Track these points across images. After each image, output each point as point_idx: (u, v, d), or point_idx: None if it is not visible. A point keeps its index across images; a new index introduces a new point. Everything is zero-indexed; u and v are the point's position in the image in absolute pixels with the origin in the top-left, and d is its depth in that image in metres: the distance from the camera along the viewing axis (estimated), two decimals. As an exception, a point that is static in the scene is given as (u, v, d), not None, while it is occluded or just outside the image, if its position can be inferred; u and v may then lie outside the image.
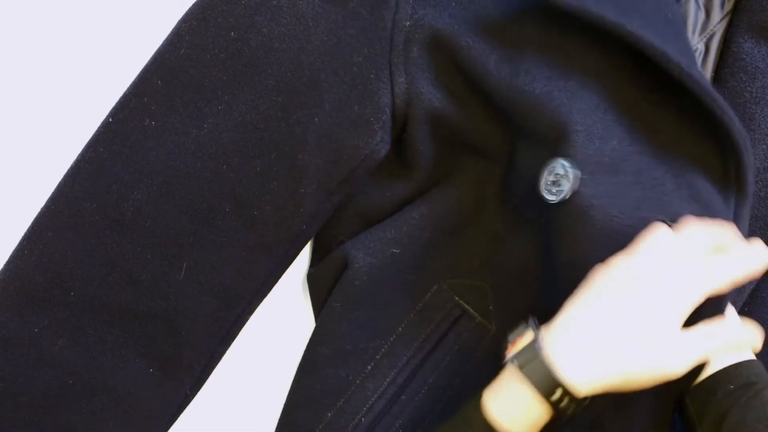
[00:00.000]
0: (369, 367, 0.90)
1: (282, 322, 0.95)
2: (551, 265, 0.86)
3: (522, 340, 0.76)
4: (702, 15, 0.94)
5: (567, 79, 0.86)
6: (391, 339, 0.90)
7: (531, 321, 0.77)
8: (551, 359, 0.73)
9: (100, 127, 0.89)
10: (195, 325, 0.89)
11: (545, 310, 0.79)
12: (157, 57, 0.89)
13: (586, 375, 0.72)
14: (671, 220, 0.81)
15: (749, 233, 0.86)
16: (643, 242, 0.77)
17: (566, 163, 0.83)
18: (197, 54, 0.89)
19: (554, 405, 0.73)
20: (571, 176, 0.82)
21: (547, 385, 0.72)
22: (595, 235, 0.82)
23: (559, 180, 0.83)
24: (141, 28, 0.94)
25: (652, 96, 0.86)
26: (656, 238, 0.77)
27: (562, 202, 0.83)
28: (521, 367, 0.73)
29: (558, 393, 0.72)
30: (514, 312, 0.86)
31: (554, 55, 0.87)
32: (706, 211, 0.83)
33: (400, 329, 0.90)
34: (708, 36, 0.94)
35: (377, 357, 0.90)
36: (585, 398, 0.74)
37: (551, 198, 0.83)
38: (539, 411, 0.73)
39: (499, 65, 0.86)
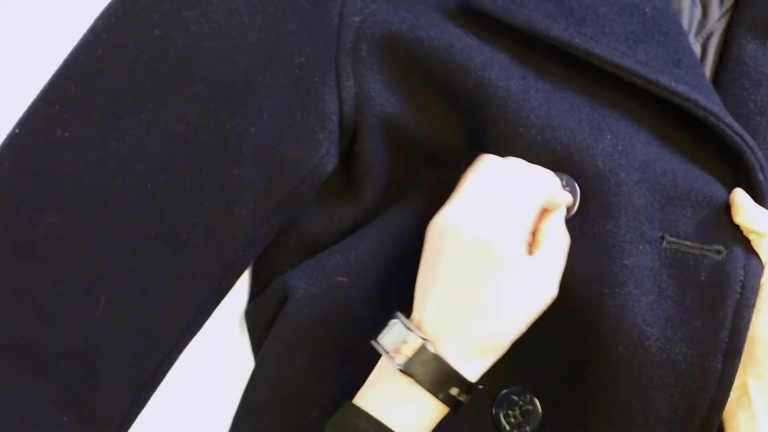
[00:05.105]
0: (315, 413, 0.86)
1: (216, 363, 0.93)
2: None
3: (407, 347, 0.77)
4: (698, 12, 0.92)
5: (544, 80, 0.85)
6: (341, 381, 0.87)
7: (399, 317, 0.79)
8: (444, 362, 0.77)
9: (5, 140, 0.87)
10: (115, 367, 0.86)
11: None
12: (70, 60, 0.87)
13: (476, 363, 0.77)
14: (671, 234, 0.81)
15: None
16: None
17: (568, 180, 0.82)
18: (116, 55, 0.87)
19: (452, 401, 0.77)
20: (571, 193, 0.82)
21: (444, 385, 0.76)
22: (587, 252, 0.81)
23: None
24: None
25: (639, 95, 0.84)
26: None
27: None
28: (415, 375, 0.76)
29: (455, 390, 0.76)
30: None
31: (527, 55, 0.86)
32: (706, 213, 0.81)
33: (350, 370, 0.87)
34: (705, 36, 0.91)
35: (324, 402, 0.86)
36: (475, 384, 0.79)
37: None
38: (436, 409, 0.78)
39: (467, 54, 0.85)
